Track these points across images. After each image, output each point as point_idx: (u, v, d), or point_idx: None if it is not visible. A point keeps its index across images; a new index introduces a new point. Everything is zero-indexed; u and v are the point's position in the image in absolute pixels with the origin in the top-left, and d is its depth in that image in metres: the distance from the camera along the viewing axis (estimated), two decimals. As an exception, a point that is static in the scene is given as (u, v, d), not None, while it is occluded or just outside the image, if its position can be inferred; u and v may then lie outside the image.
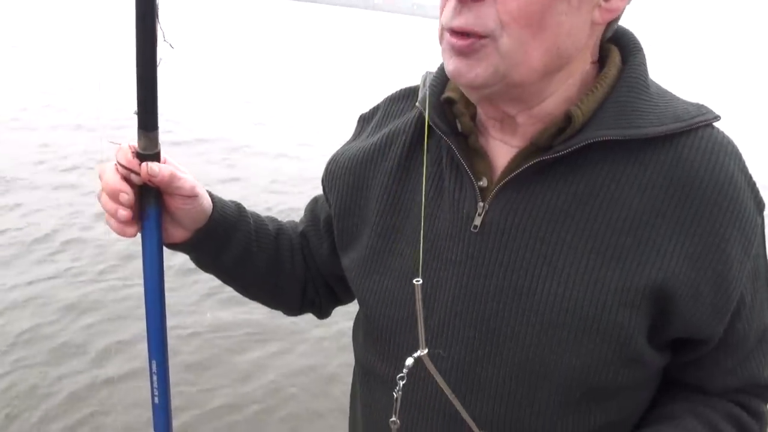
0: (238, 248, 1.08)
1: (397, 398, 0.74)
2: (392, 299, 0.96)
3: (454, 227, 0.91)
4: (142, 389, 3.77)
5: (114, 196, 0.92)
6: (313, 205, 1.21)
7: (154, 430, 1.16)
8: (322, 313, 1.28)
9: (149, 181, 0.92)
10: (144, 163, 0.92)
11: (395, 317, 0.96)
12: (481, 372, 0.88)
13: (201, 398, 3.84)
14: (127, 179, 0.93)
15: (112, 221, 0.95)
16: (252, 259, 1.11)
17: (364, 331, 1.05)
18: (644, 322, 0.84)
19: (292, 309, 1.24)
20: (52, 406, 3.75)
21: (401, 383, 0.73)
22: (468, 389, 0.88)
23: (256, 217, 1.15)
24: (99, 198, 0.95)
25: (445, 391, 0.73)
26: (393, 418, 0.75)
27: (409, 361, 0.72)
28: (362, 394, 1.07)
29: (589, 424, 0.90)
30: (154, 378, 1.11)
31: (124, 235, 0.96)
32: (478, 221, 0.89)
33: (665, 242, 0.82)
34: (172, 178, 0.93)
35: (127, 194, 0.92)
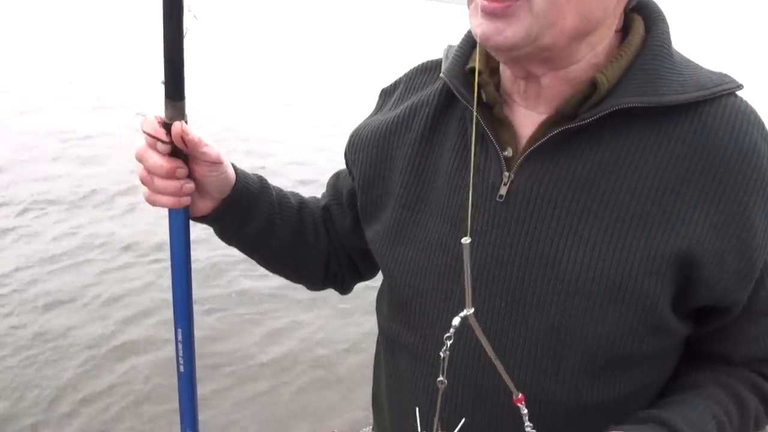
0: (261, 220, 1.09)
1: (444, 358, 0.74)
2: (417, 270, 0.97)
3: (479, 197, 0.91)
4: (166, 358, 3.84)
5: (170, 175, 0.95)
6: (335, 180, 1.22)
7: (180, 398, 1.17)
8: (345, 288, 1.28)
9: (180, 141, 0.93)
10: (177, 122, 0.93)
11: (420, 287, 0.96)
12: (506, 341, 0.89)
13: (223, 368, 3.90)
14: (153, 149, 0.95)
15: (167, 198, 0.97)
16: (275, 231, 1.12)
17: (388, 302, 1.06)
18: (669, 290, 0.84)
19: (315, 283, 1.25)
20: (75, 374, 3.84)
21: (449, 343, 0.74)
22: (497, 353, 0.89)
23: (278, 190, 1.15)
24: (150, 183, 0.97)
25: (488, 351, 0.73)
26: (440, 378, 0.76)
27: (456, 321, 0.72)
28: (386, 363, 1.08)
29: (613, 392, 0.90)
30: (180, 346, 1.12)
31: (179, 206, 0.99)
32: (503, 191, 0.89)
33: (690, 210, 0.82)
34: (200, 142, 0.95)
35: (182, 168, 0.96)
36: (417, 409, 0.87)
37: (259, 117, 10.33)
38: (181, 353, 1.13)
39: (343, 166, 1.17)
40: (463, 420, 0.87)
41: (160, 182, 0.96)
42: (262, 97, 11.82)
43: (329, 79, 14.46)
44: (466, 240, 0.67)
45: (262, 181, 1.11)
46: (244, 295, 4.77)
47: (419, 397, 0.97)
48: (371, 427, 2.65)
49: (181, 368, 1.14)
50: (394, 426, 1.08)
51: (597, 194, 0.85)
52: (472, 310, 0.70)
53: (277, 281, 4.96)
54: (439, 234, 0.95)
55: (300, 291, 4.93)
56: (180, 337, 1.12)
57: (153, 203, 0.99)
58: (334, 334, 4.38)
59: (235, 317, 4.50)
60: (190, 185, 0.98)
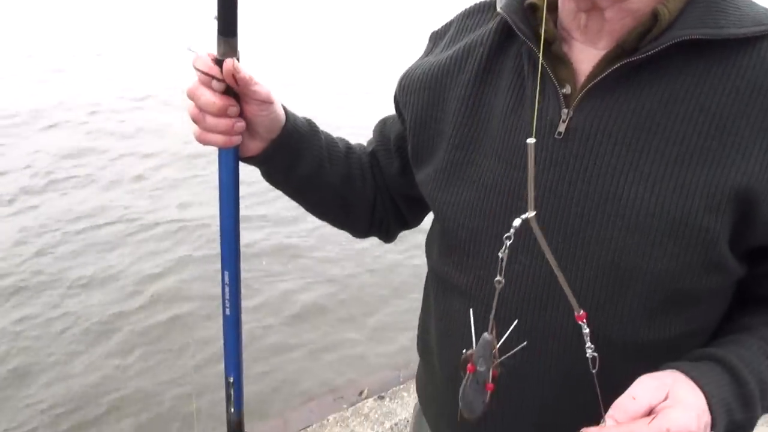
0: (310, 162, 1.09)
1: (502, 258, 0.74)
2: (471, 210, 0.96)
3: (537, 135, 0.90)
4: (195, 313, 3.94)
5: (222, 113, 0.95)
6: (382, 126, 1.21)
7: (224, 342, 1.18)
8: (389, 235, 1.28)
9: (231, 78, 0.93)
10: (228, 59, 0.92)
11: (474, 228, 0.96)
12: (564, 274, 0.88)
13: (249, 324, 3.97)
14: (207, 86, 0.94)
15: (218, 137, 0.98)
16: (323, 175, 1.11)
17: (439, 244, 1.05)
18: (728, 226, 0.84)
19: (360, 229, 1.24)
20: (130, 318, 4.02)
21: (508, 243, 0.74)
22: (551, 292, 0.89)
23: (327, 134, 1.15)
24: (202, 121, 0.97)
25: (548, 258, 0.73)
26: (498, 278, 0.75)
27: (517, 222, 0.71)
28: (437, 305, 1.08)
29: (669, 331, 0.90)
30: (226, 289, 1.12)
31: (230, 144, 0.99)
32: (562, 128, 0.88)
33: (750, 146, 0.82)
34: (251, 80, 0.94)
35: (234, 106, 0.96)
36: (471, 311, 0.86)
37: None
38: (227, 296, 1.13)
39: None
40: (516, 322, 0.87)
41: (211, 120, 0.96)
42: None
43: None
44: (531, 140, 0.66)
45: (311, 125, 1.11)
46: (273, 253, 4.82)
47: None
48: (401, 386, 2.70)
49: (227, 311, 1.14)
50: (444, 368, 1.08)
51: (657, 131, 0.84)
52: (533, 213, 0.70)
53: (305, 239, 5.11)
54: (494, 174, 0.94)
55: (330, 247, 5.09)
56: (227, 280, 1.12)
57: (203, 142, 0.99)
58: (366, 290, 4.43)
59: (266, 272, 4.56)
60: (241, 124, 0.98)
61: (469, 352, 0.80)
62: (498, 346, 0.80)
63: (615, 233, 0.85)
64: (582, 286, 0.87)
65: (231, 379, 1.21)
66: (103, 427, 3.40)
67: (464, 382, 0.81)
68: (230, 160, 1.03)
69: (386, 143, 1.18)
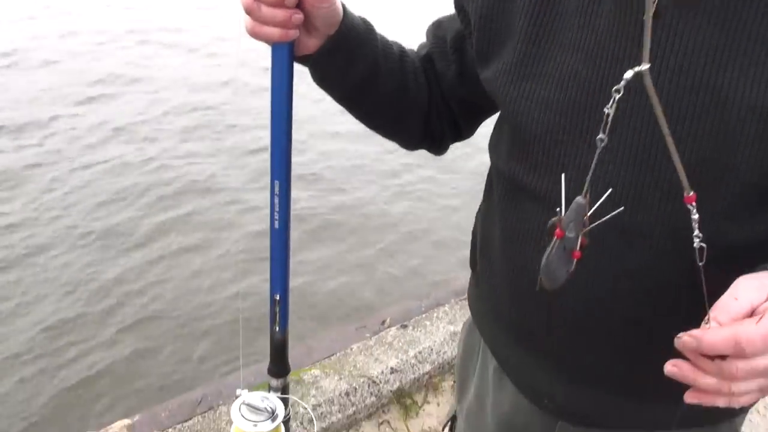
0: (366, 62, 1.02)
1: (608, 114, 0.68)
2: (547, 105, 0.89)
3: (622, 21, 0.83)
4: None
5: (279, 2, 0.89)
6: (436, 28, 1.13)
7: (271, 258, 1.13)
8: (441, 147, 1.22)
9: None
10: None
11: (550, 123, 0.89)
12: (654, 169, 0.83)
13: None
14: None
15: (273, 30, 0.91)
16: (379, 77, 1.04)
17: (509, 144, 0.99)
18: None
19: (412, 139, 1.18)
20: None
21: (617, 96, 0.67)
22: (647, 166, 0.83)
23: (381, 35, 1.07)
24: (257, 11, 0.89)
25: (659, 118, 0.66)
26: (601, 135, 0.69)
27: (629, 74, 0.65)
28: (505, 209, 1.02)
29: (753, 234, 0.85)
30: (276, 201, 1.07)
31: (286, 39, 0.93)
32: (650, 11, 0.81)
33: None
34: None
35: None
36: (563, 176, 0.80)
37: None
38: (276, 208, 1.07)
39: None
40: (609, 190, 0.80)
41: (267, 11, 0.89)
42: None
43: None
44: None
45: (366, 23, 1.04)
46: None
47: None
48: (424, 315, 2.69)
49: (276, 224, 1.09)
50: (512, 280, 1.03)
51: (755, 10, 0.76)
52: (647, 65, 0.63)
53: (311, 168, 5.08)
54: (572, 66, 0.87)
55: (337, 176, 5.10)
56: (276, 190, 1.06)
57: (257, 35, 0.92)
58: (374, 219, 4.42)
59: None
60: (299, 15, 0.91)
61: (559, 216, 0.74)
62: (589, 213, 0.73)
63: (707, 127, 0.79)
64: (672, 182, 0.81)
65: (277, 297, 1.17)
66: (110, 350, 3.50)
67: (549, 248, 0.75)
68: (284, 57, 0.96)
69: (442, 45, 1.10)
